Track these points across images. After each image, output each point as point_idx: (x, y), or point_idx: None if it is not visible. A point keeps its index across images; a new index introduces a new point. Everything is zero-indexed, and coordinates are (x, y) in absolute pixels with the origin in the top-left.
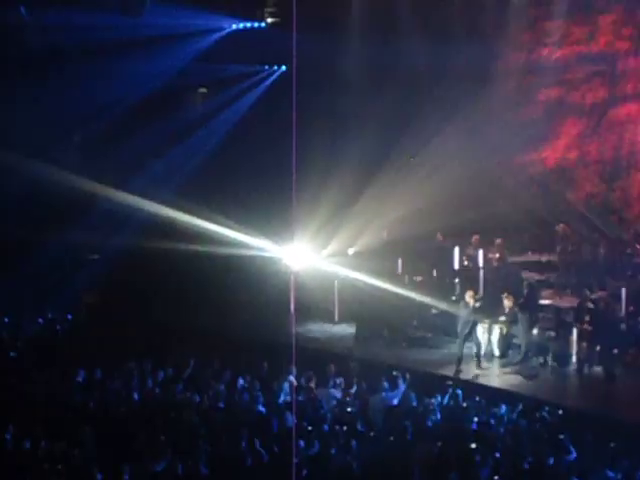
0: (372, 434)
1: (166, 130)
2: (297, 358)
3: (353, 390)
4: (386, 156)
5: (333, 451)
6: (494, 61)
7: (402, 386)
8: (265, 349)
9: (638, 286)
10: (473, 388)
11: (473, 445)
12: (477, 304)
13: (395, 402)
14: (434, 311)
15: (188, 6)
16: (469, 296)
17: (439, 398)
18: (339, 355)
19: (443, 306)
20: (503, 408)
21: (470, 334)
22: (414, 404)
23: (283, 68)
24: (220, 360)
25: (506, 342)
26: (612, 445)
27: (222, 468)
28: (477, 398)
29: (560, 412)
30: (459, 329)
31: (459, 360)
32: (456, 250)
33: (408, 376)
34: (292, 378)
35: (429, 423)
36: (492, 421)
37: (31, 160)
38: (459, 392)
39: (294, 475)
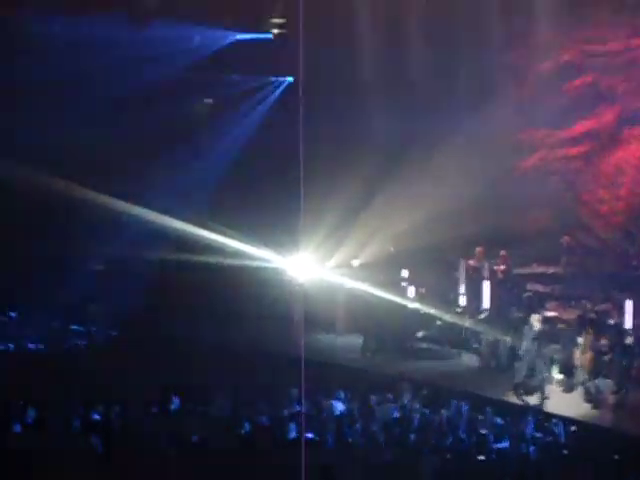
0: (377, 446)
1: (171, 140)
2: (303, 369)
3: (358, 402)
4: (392, 168)
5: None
6: (499, 71)
7: (407, 398)
8: (270, 360)
9: None
10: (479, 400)
11: (481, 457)
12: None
13: (400, 414)
14: (439, 323)
15: (193, 18)
16: (535, 319)
17: (445, 410)
18: (344, 367)
19: (448, 318)
20: (509, 420)
21: (537, 358)
22: (419, 416)
23: (290, 79)
24: (225, 371)
25: (511, 355)
26: (616, 457)
27: None
28: (484, 411)
29: (571, 426)
30: (522, 354)
31: (542, 389)
32: (461, 262)
33: (414, 388)
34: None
35: (435, 435)
36: (499, 433)
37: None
38: (465, 405)
39: None
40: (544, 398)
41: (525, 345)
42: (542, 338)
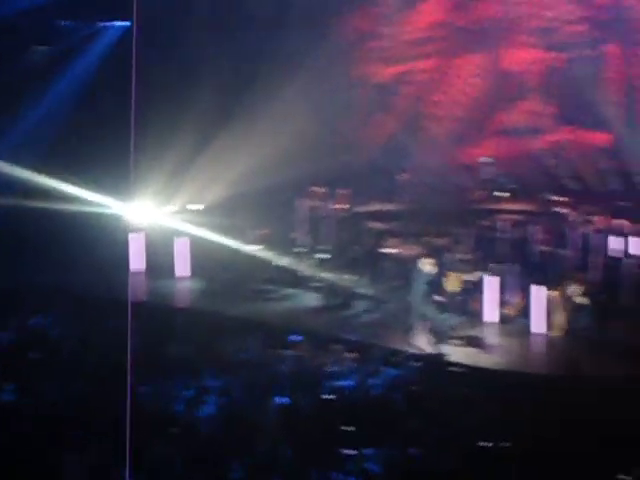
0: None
1: (4, 88)
2: (144, 316)
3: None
4: (230, 110)
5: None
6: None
7: (249, 339)
8: (107, 306)
9: (482, 232)
10: (316, 336)
11: (330, 396)
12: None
13: (242, 355)
14: (280, 263)
15: None
16: (427, 263)
17: (289, 350)
18: (185, 311)
19: (286, 259)
20: (356, 358)
21: (427, 302)
22: (264, 357)
23: (127, 24)
24: (61, 317)
25: (352, 293)
26: (465, 391)
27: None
28: (328, 349)
29: (417, 362)
30: (414, 298)
31: (411, 330)
32: (300, 202)
33: (253, 329)
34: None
35: (276, 375)
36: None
37: None
38: (308, 343)
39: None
40: (412, 342)
41: (418, 290)
42: (433, 281)
